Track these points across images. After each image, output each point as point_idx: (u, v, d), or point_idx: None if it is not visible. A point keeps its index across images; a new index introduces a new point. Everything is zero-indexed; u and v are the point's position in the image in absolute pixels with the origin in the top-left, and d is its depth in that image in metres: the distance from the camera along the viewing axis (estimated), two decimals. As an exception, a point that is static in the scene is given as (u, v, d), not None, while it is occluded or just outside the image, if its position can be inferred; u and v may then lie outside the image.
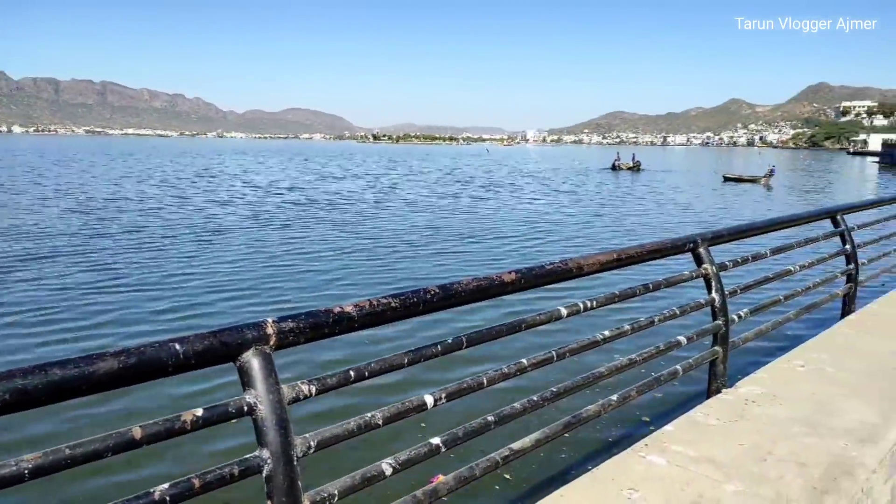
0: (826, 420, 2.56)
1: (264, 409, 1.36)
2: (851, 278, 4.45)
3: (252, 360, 1.38)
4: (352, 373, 1.56)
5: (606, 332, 2.36)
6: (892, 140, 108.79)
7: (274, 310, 8.68)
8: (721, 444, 2.36)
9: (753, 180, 45.95)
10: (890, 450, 2.39)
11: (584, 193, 34.48)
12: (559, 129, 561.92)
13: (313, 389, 1.48)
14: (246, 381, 1.39)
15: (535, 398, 2.03)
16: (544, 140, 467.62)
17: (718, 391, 2.89)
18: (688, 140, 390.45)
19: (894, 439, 2.45)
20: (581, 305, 2.28)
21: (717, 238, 3.12)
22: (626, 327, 2.46)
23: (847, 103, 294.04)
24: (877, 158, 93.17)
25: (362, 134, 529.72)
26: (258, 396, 1.37)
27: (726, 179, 47.49)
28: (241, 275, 11.26)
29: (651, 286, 2.66)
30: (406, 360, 1.69)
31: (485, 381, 1.87)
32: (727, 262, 3.16)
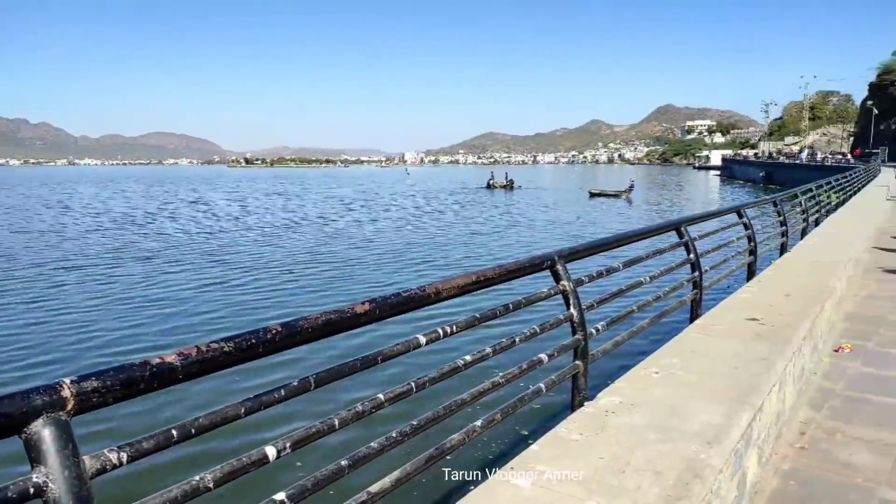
0: (678, 424, 2.68)
1: (58, 489, 1.15)
2: (697, 285, 4.80)
3: (42, 431, 1.17)
4: (174, 432, 1.38)
5: (468, 357, 2.33)
6: (729, 155, 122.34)
7: (103, 363, 7.97)
8: (583, 458, 2.38)
9: (616, 195, 49.53)
10: (733, 448, 2.54)
11: (461, 213, 35.27)
12: (436, 149, 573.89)
13: (125, 457, 1.29)
14: (34, 457, 1.17)
15: (394, 435, 1.93)
16: (422, 161, 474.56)
17: (581, 405, 2.95)
18: (555, 159, 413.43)
19: (737, 437, 2.61)
20: (441, 332, 2.23)
21: (574, 254, 3.22)
22: (488, 350, 2.44)
23: (691, 122, 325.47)
24: (718, 172, 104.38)
25: (234, 158, 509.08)
26: (50, 474, 1.15)
27: (592, 195, 50.78)
28: (75, 321, 10.26)
29: (511, 306, 2.67)
30: (243, 411, 1.53)
31: (336, 423, 1.75)
32: (584, 278, 3.27)
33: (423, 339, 2.12)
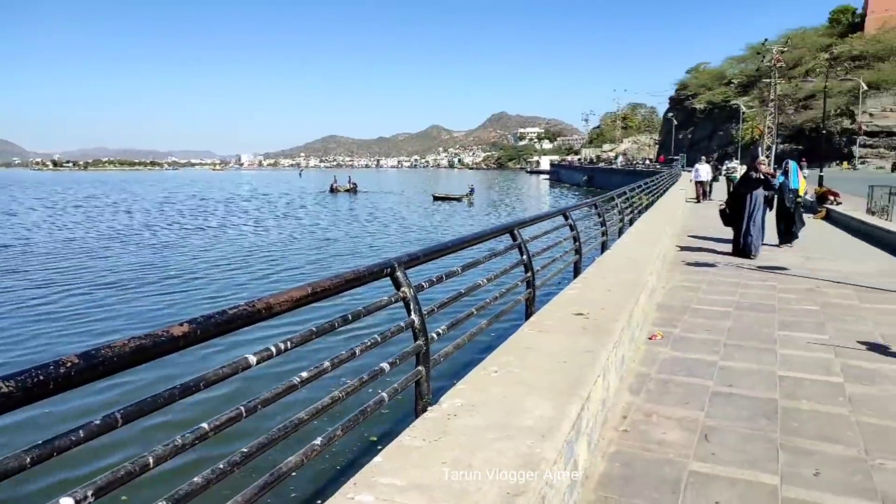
0: (515, 421, 2.78)
1: None
2: (530, 284, 5.07)
3: None
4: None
5: (305, 374, 2.22)
6: (556, 161, 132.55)
7: None
8: (427, 465, 2.38)
9: (458, 198, 51.36)
10: (565, 439, 2.69)
11: (305, 218, 34.39)
12: (276, 152, 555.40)
13: None
14: None
15: (221, 466, 1.78)
16: (260, 164, 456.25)
17: (425, 410, 2.95)
18: (398, 163, 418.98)
19: (568, 429, 2.77)
20: (274, 349, 2.10)
21: (413, 260, 3.23)
22: (327, 364, 2.35)
23: (522, 130, 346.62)
24: (547, 176, 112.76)
25: (38, 160, 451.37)
26: None
27: (436, 198, 52.16)
28: None
29: (350, 316, 2.60)
30: (28, 460, 1.30)
31: (151, 462, 1.56)
32: (424, 283, 3.29)
33: (253, 359, 1.98)
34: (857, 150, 56.32)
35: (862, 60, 68.12)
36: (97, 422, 1.47)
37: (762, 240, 10.58)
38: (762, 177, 10.48)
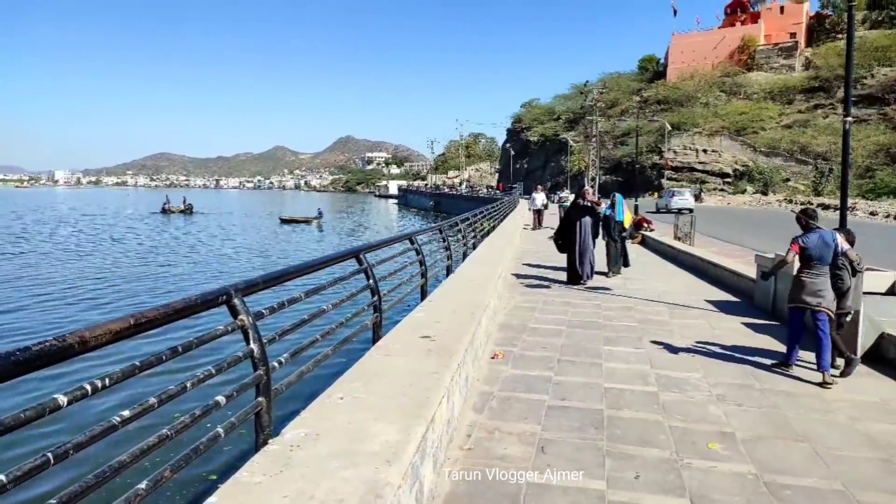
0: (361, 448, 2.75)
1: None
2: (377, 309, 5.07)
3: None
4: None
5: (126, 413, 2.02)
6: (404, 185, 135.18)
7: None
8: (267, 502, 2.26)
9: (307, 221, 50.23)
10: (410, 462, 2.71)
11: (134, 243, 31.64)
12: (98, 169, 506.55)
13: None
14: None
15: (21, 525, 1.56)
16: (79, 181, 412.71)
17: (266, 443, 2.82)
18: (241, 184, 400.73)
19: (413, 451, 2.79)
20: (89, 388, 1.89)
21: (252, 287, 3.10)
22: (153, 401, 2.16)
23: (370, 154, 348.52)
24: (396, 200, 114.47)
25: None
26: None
27: (283, 221, 50.58)
28: None
29: (181, 348, 2.42)
30: None
31: (-73, 529, 1.33)
32: (264, 311, 3.16)
33: (63, 399, 1.77)
34: (665, 183, 63.82)
35: (666, 104, 77.69)
36: None
37: (594, 265, 11.40)
38: (588, 204, 11.45)
